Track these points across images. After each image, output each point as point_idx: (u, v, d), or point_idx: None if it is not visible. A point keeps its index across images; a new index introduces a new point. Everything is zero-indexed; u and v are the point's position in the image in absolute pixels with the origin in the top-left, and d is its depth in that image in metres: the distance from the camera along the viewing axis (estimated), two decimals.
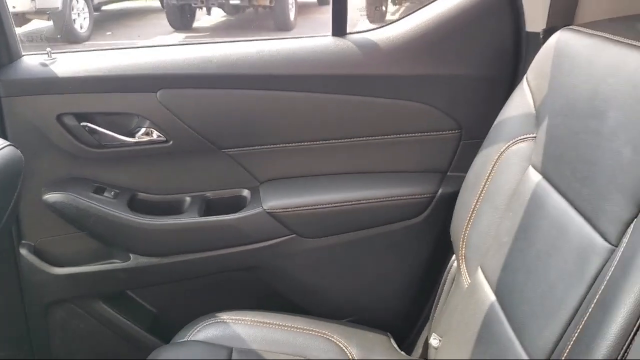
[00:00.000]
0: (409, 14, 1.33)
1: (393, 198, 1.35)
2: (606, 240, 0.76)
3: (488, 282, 1.03)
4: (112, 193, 1.34)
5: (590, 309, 0.74)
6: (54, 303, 1.40)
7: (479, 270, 1.07)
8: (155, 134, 1.31)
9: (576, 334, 0.75)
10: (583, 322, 0.75)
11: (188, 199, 1.38)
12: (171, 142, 1.32)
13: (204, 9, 7.83)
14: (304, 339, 1.25)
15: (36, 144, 1.28)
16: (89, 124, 1.29)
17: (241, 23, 8.72)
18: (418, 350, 1.30)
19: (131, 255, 1.36)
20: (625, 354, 0.67)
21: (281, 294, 1.42)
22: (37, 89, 1.25)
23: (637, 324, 0.67)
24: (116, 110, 1.30)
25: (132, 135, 1.32)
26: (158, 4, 9.15)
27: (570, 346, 0.76)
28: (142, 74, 1.27)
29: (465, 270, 1.14)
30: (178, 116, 1.29)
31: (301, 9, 8.69)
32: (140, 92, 1.28)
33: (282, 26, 8.01)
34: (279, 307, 1.31)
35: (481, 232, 1.10)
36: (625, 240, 0.73)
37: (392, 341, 1.31)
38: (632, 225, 0.72)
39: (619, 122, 0.80)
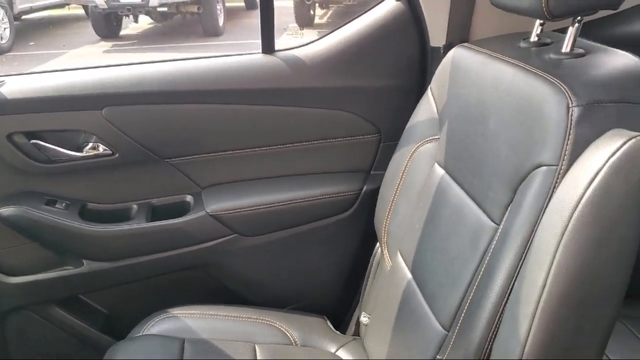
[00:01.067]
0: (329, 33, 1.49)
1: (324, 196, 1.51)
2: (492, 220, 0.95)
3: (405, 263, 1.21)
4: (63, 204, 1.43)
5: (479, 276, 0.92)
6: (10, 311, 1.48)
7: (398, 254, 1.25)
8: (101, 148, 1.42)
9: (470, 297, 0.94)
10: (475, 287, 0.93)
11: (135, 206, 1.50)
12: (117, 155, 1.43)
13: (131, 16, 7.78)
14: (250, 327, 1.39)
15: None
16: (39, 142, 1.38)
17: (169, 30, 8.70)
18: (351, 328, 1.47)
19: (84, 261, 1.46)
20: (504, 308, 0.86)
21: (228, 289, 1.55)
22: None
23: (512, 283, 0.86)
24: (64, 128, 1.40)
25: (80, 150, 1.42)
26: (82, 12, 8.99)
27: (466, 308, 0.94)
28: (87, 93, 1.37)
29: (387, 255, 1.31)
30: (122, 131, 1.40)
31: (229, 14, 8.75)
32: (86, 110, 1.38)
33: (211, 32, 8.04)
34: (227, 301, 1.45)
35: (399, 221, 1.28)
36: (504, 219, 0.92)
37: (329, 323, 1.47)
38: (509, 208, 0.91)
39: (498, 126, 0.98)
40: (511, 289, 0.85)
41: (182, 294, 1.53)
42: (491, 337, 0.88)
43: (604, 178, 0.75)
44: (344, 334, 1.46)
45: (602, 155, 0.76)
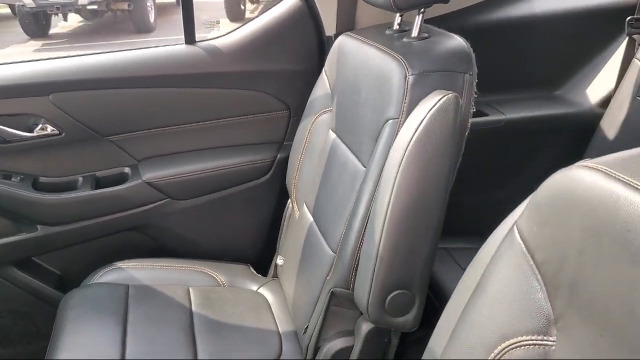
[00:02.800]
0: (240, 26, 1.77)
1: (243, 164, 1.80)
2: (363, 165, 1.26)
3: (308, 210, 1.51)
4: (18, 178, 1.66)
5: (353, 206, 1.24)
6: None
7: (304, 205, 1.55)
8: (49, 129, 1.65)
9: (346, 225, 1.25)
10: (349, 215, 1.25)
11: (81, 178, 1.74)
12: (63, 134, 1.66)
13: (60, 15, 7.78)
14: (185, 274, 1.67)
15: None
16: None
17: (99, 27, 8.72)
18: (271, 271, 1.76)
19: (38, 227, 1.69)
20: (366, 225, 1.18)
21: (165, 246, 1.82)
22: None
23: (370, 206, 1.17)
24: (16, 112, 1.62)
25: (31, 131, 1.65)
26: (9, 11, 8.87)
27: (344, 233, 1.26)
28: (36, 81, 1.60)
29: (296, 207, 1.62)
30: (67, 113, 1.64)
31: (160, 10, 8.84)
32: (35, 96, 1.61)
33: (142, 29, 8.12)
34: (167, 256, 1.72)
35: (304, 179, 1.58)
36: (370, 164, 1.23)
37: (252, 269, 1.77)
38: (372, 154, 1.22)
39: (366, 95, 1.30)
40: (370, 210, 1.17)
41: (126, 252, 1.77)
42: (358, 248, 1.20)
43: (426, 124, 1.07)
44: (265, 276, 1.76)
45: (425, 108, 1.09)
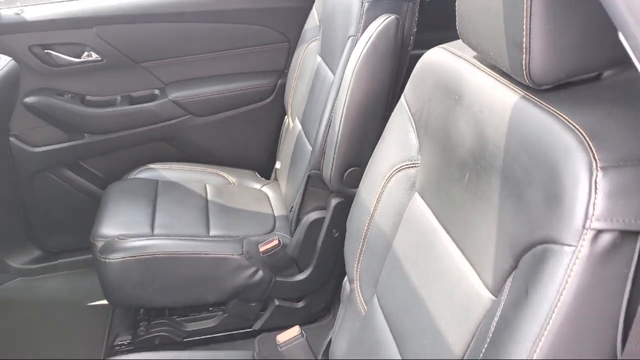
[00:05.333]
0: None
1: (251, 88, 2.18)
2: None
3: (299, 120, 1.88)
4: (69, 96, 2.07)
5: (322, 109, 1.57)
6: (35, 173, 2.12)
7: (296, 118, 1.92)
8: (94, 56, 2.05)
9: (319, 123, 1.61)
10: (320, 116, 1.60)
11: (119, 97, 2.14)
12: (105, 61, 2.06)
13: None
14: (203, 175, 2.08)
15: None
16: (50, 51, 2.00)
17: None
18: (272, 176, 2.15)
19: (85, 135, 2.11)
20: (330, 122, 1.53)
21: (188, 153, 2.22)
22: (16, 29, 1.94)
23: (333, 108, 1.52)
24: (66, 41, 2.02)
25: (79, 57, 2.05)
26: None
27: (317, 129, 1.62)
28: (83, 17, 1.99)
29: (290, 121, 1.99)
30: (108, 43, 2.03)
31: None
32: (82, 28, 2.00)
33: None
34: (188, 161, 2.13)
35: (297, 98, 1.94)
36: (335, 73, 1.58)
37: (257, 174, 2.16)
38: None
39: (338, 22, 1.64)
40: (334, 108, 1.52)
41: (155, 158, 2.17)
42: (325, 137, 1.56)
43: (373, 39, 1.41)
44: (268, 180, 2.15)
45: (373, 26, 1.43)
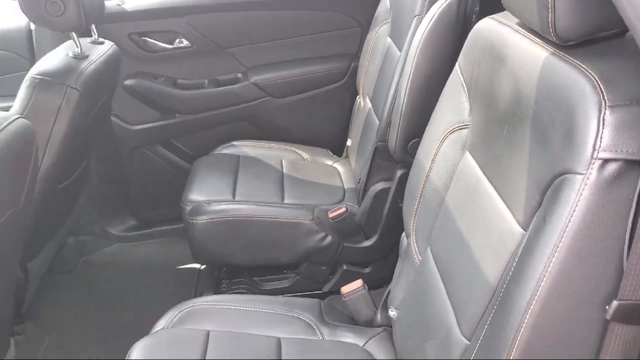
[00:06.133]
0: None
1: (326, 70, 2.33)
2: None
3: (368, 98, 2.00)
4: (162, 79, 2.30)
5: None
6: (133, 149, 2.36)
7: (367, 97, 2.04)
8: (185, 42, 2.26)
9: (385, 97, 1.72)
10: (387, 90, 1.72)
11: (206, 81, 2.34)
12: (194, 47, 2.27)
13: None
14: (280, 152, 2.25)
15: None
16: (147, 38, 2.23)
17: None
18: (344, 154, 2.29)
19: (176, 115, 2.33)
20: (395, 96, 1.64)
21: (267, 132, 2.40)
22: (117, 18, 2.18)
23: (399, 83, 1.63)
24: (160, 29, 2.24)
25: (171, 44, 2.26)
26: None
27: (383, 102, 1.73)
28: (175, 6, 2.20)
29: (361, 100, 2.12)
30: (198, 30, 2.24)
31: None
32: (174, 17, 2.22)
33: None
34: (267, 139, 2.30)
35: (369, 78, 2.06)
36: (402, 50, 1.69)
37: (330, 152, 2.31)
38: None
39: (405, 2, 1.75)
40: (399, 82, 1.63)
41: (238, 136, 2.36)
42: (390, 110, 1.67)
43: (436, 17, 1.51)
44: (340, 156, 2.29)
45: (437, 5, 1.52)
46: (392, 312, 1.30)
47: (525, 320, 0.74)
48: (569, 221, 0.71)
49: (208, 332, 1.29)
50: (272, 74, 2.32)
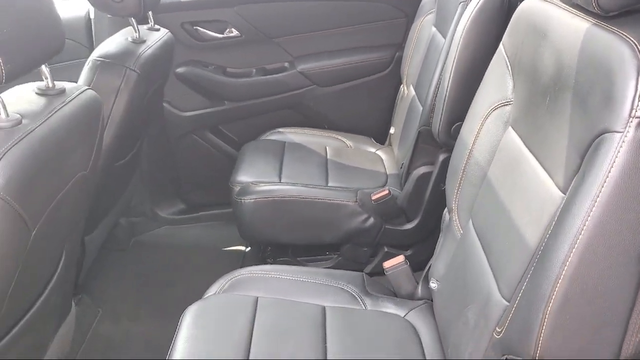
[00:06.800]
0: None
1: (371, 60, 2.38)
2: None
3: (412, 87, 2.05)
4: (212, 67, 2.39)
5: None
6: (183, 134, 2.46)
7: (411, 85, 2.08)
8: (234, 32, 2.35)
9: (429, 83, 1.77)
10: (431, 76, 1.76)
11: (254, 69, 2.43)
12: (243, 36, 2.35)
13: None
14: (324, 139, 2.32)
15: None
16: (198, 27, 2.32)
17: None
18: (387, 142, 2.33)
19: (225, 102, 2.42)
20: (439, 81, 1.68)
21: (311, 119, 2.46)
22: (171, 8, 2.28)
23: (443, 68, 1.67)
24: (211, 19, 2.33)
25: (221, 33, 2.35)
26: None
27: (428, 87, 1.77)
28: None
29: (405, 88, 2.16)
30: (247, 20, 2.32)
31: None
32: (225, 7, 2.30)
33: None
34: (311, 127, 2.37)
35: (413, 67, 2.11)
36: (447, 36, 1.73)
37: (373, 140, 2.36)
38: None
39: None
40: (443, 67, 1.67)
41: (283, 123, 2.43)
42: (434, 94, 1.71)
43: (481, 4, 1.54)
44: (382, 144, 2.34)
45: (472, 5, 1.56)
46: (433, 284, 1.35)
47: (563, 272, 0.78)
48: (607, 177, 0.75)
49: (257, 298, 1.36)
50: (317, 63, 2.38)
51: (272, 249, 2.05)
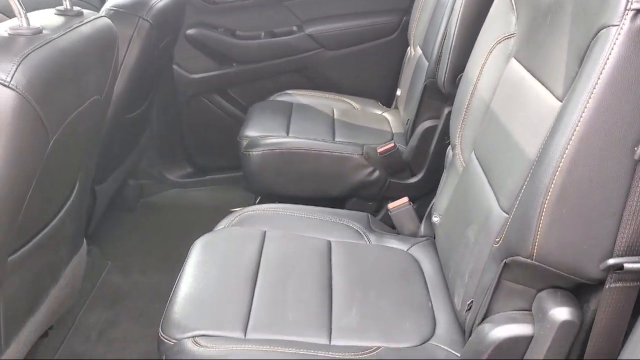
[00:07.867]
0: None
1: (378, 24, 2.41)
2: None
3: (419, 48, 2.08)
4: (222, 29, 2.42)
5: (438, 28, 1.66)
6: (191, 96, 2.50)
7: (417, 46, 2.12)
8: None
9: (434, 40, 1.79)
10: (436, 34, 1.78)
11: (263, 33, 2.46)
12: (252, 0, 2.38)
13: None
14: (332, 102, 2.36)
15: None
16: None
17: None
18: (393, 104, 2.37)
19: (234, 64, 2.46)
20: (445, 32, 1.71)
21: (319, 83, 2.49)
22: None
23: (448, 23, 1.70)
24: None
25: None
26: None
27: (434, 42, 1.80)
28: None
29: (412, 50, 2.19)
30: None
31: None
32: None
33: None
34: (321, 86, 2.41)
35: (420, 29, 2.13)
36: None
37: (379, 103, 2.39)
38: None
39: None
40: (448, 22, 1.70)
41: (291, 87, 2.47)
42: (441, 46, 1.74)
43: None
44: (389, 107, 2.37)
45: None
46: (436, 218, 1.38)
47: (561, 164, 0.81)
48: (603, 69, 0.78)
49: (264, 232, 1.40)
50: (326, 26, 2.42)
51: (279, 203, 2.08)
